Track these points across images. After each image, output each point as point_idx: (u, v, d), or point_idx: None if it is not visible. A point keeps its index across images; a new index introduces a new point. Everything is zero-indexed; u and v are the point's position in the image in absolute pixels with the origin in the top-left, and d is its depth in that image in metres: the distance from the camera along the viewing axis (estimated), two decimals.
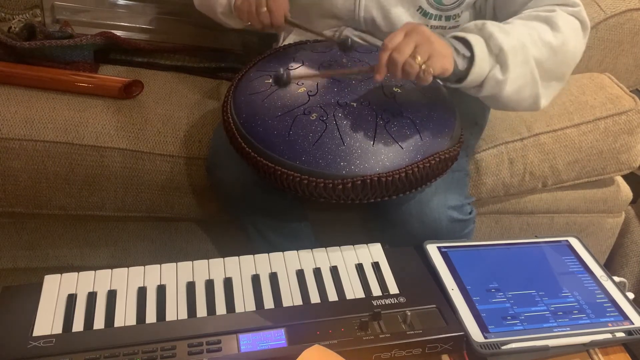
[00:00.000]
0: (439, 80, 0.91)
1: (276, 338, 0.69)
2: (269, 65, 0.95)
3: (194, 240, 1.21)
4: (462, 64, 0.82)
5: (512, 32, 0.84)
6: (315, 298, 0.77)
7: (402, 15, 0.98)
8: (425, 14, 0.97)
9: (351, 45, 0.93)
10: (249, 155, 0.84)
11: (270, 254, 0.83)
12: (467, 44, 0.82)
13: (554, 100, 0.96)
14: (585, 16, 0.91)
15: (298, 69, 0.88)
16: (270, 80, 0.88)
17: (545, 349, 0.74)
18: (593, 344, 0.76)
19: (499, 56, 0.82)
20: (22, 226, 1.14)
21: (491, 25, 0.83)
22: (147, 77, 1.17)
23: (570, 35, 0.88)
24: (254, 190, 0.96)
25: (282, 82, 0.85)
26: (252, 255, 0.82)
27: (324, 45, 1.00)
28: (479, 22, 0.85)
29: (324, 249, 0.85)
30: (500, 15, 0.97)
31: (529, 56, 0.84)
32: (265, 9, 0.90)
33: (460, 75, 0.83)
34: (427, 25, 0.98)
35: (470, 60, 0.82)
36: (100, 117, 1.05)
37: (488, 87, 0.84)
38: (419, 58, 0.76)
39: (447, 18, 0.98)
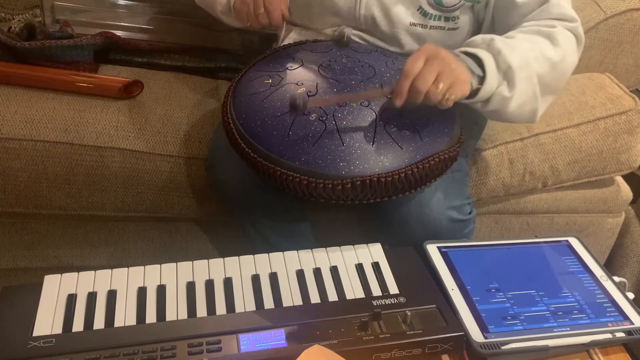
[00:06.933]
0: None
1: (276, 338, 0.69)
2: (268, 66, 0.95)
3: (194, 240, 1.21)
4: (475, 83, 0.82)
5: (518, 48, 0.84)
6: (315, 298, 0.77)
7: (402, 14, 0.98)
8: (425, 14, 0.97)
9: (346, 42, 0.93)
10: (248, 156, 0.84)
11: (270, 254, 0.83)
12: (477, 60, 0.83)
13: (554, 101, 0.96)
14: (582, 32, 0.92)
15: (315, 96, 0.85)
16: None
17: (545, 349, 0.74)
18: (593, 344, 0.76)
19: (506, 73, 0.83)
20: (22, 226, 1.14)
21: (499, 41, 0.84)
22: (147, 77, 1.17)
23: (568, 51, 0.90)
24: (253, 191, 0.96)
25: (297, 109, 0.79)
26: (252, 255, 0.82)
27: (324, 45, 1.00)
28: (487, 37, 0.85)
29: (324, 249, 0.85)
30: (498, 24, 0.98)
31: (532, 73, 0.85)
32: (262, 10, 0.91)
33: (471, 92, 0.83)
34: (427, 26, 0.98)
35: (482, 78, 0.82)
36: (100, 117, 1.05)
37: (494, 103, 0.85)
38: (442, 86, 0.75)
39: (447, 19, 0.98)
